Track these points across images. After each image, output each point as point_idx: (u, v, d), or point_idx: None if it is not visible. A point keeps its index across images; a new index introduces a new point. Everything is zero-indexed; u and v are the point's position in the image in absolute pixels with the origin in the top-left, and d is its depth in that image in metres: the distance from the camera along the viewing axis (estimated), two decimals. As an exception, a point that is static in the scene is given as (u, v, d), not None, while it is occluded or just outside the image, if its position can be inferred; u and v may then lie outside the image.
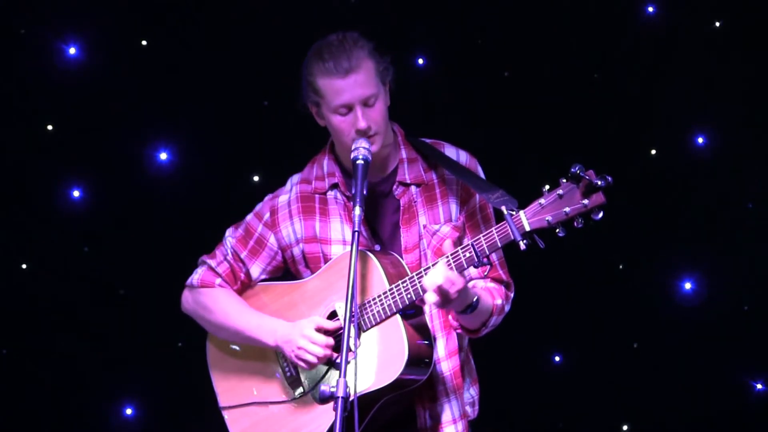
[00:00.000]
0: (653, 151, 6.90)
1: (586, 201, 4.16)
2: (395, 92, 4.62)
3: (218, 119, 6.80)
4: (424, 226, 4.62)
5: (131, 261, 6.81)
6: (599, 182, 4.13)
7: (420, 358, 4.47)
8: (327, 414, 4.50)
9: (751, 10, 6.73)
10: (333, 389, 4.09)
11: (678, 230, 6.85)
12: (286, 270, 4.83)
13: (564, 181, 4.20)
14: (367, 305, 4.50)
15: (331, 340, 4.56)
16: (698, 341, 6.81)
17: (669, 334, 6.84)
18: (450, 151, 4.68)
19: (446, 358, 4.63)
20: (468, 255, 4.35)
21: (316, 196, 4.72)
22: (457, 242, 4.58)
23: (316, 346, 4.54)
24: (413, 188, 4.65)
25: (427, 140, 4.71)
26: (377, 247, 4.63)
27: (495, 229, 4.32)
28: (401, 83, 4.66)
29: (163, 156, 6.84)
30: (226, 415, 4.84)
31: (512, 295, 4.67)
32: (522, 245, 4.23)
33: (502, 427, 6.72)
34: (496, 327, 4.62)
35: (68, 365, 6.80)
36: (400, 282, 4.46)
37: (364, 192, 4.40)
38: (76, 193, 6.85)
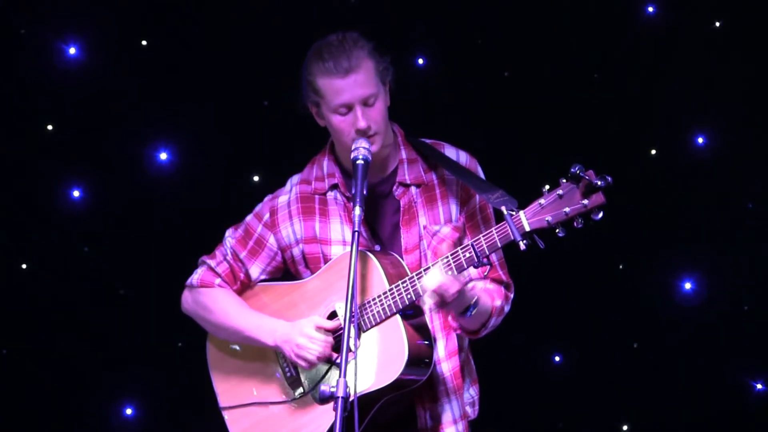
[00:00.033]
0: (653, 151, 6.90)
1: (586, 201, 4.16)
2: (395, 92, 4.62)
3: (218, 119, 6.80)
4: (425, 227, 4.62)
5: (131, 261, 6.81)
6: (599, 182, 4.13)
7: (420, 358, 4.47)
8: (327, 414, 4.50)
9: (751, 10, 6.73)
10: (333, 389, 4.09)
11: (678, 230, 6.85)
12: (285, 270, 4.83)
13: (564, 181, 4.20)
14: (367, 305, 4.50)
15: (330, 339, 4.56)
16: (698, 341, 6.81)
17: (669, 334, 6.84)
18: (450, 152, 4.67)
19: (446, 358, 4.63)
20: (468, 255, 4.35)
21: (316, 196, 4.72)
22: (457, 243, 4.58)
23: (316, 344, 4.54)
24: (413, 189, 4.65)
25: (427, 141, 4.71)
26: (377, 248, 4.63)
27: (495, 229, 4.32)
28: (401, 83, 4.66)
29: (163, 156, 6.84)
30: (226, 415, 4.84)
31: (512, 295, 4.67)
32: (522, 245, 4.23)
33: (502, 427, 6.72)
34: (495, 328, 4.62)
35: (68, 365, 6.80)
36: (400, 282, 4.46)
37: (364, 192, 4.40)
38: (76, 193, 6.85)
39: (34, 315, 6.82)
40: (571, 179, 4.17)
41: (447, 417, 4.64)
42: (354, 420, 4.09)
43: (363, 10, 6.79)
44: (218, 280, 4.79)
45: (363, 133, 4.50)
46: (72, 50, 6.78)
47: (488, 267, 4.40)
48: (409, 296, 4.44)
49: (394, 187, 4.65)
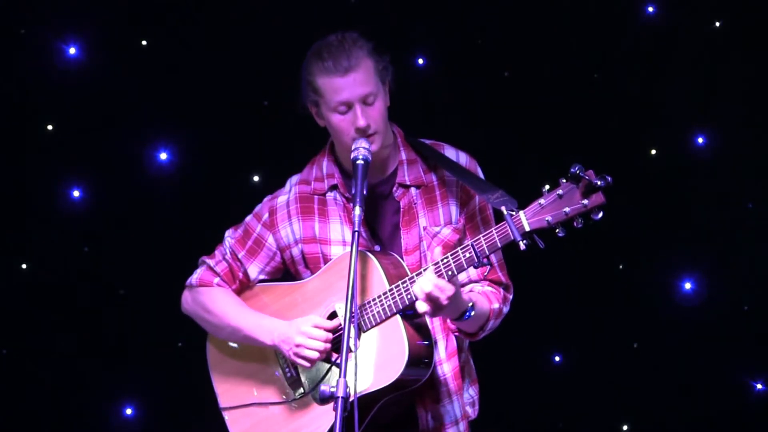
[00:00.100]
0: (653, 151, 6.90)
1: (585, 201, 4.16)
2: (395, 92, 4.62)
3: (218, 119, 6.80)
4: (424, 228, 4.62)
5: (131, 261, 6.81)
6: (599, 182, 4.13)
7: (420, 358, 4.47)
8: (327, 415, 4.50)
9: (751, 10, 6.73)
10: (333, 389, 4.08)
11: (678, 230, 6.84)
12: (285, 271, 4.83)
13: (564, 181, 4.20)
14: (368, 305, 4.50)
15: (329, 336, 4.55)
16: (698, 341, 6.81)
17: (669, 334, 6.84)
18: (450, 152, 4.67)
19: (446, 359, 4.63)
20: (468, 255, 4.35)
21: (315, 197, 4.72)
22: (457, 244, 4.57)
23: (314, 342, 4.53)
24: (413, 190, 4.65)
25: (427, 141, 4.71)
26: (377, 248, 4.63)
27: (495, 229, 4.31)
28: (401, 83, 4.66)
29: (163, 156, 6.84)
30: (227, 415, 4.84)
31: (511, 296, 4.67)
32: (522, 245, 4.23)
33: (502, 427, 6.72)
34: (495, 329, 4.62)
35: (68, 365, 6.80)
36: (400, 282, 4.46)
37: (364, 192, 4.40)
38: (76, 193, 6.85)
39: (34, 315, 6.82)
40: (571, 179, 4.17)
41: (448, 417, 4.64)
42: (354, 420, 4.08)
43: (363, 10, 6.79)
44: (217, 279, 4.79)
45: (362, 132, 4.50)
46: (72, 50, 6.78)
47: (488, 267, 4.40)
48: (409, 296, 4.43)
49: (394, 188, 4.65)
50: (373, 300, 4.49)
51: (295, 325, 4.59)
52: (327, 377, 4.59)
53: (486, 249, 4.32)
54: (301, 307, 4.67)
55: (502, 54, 6.86)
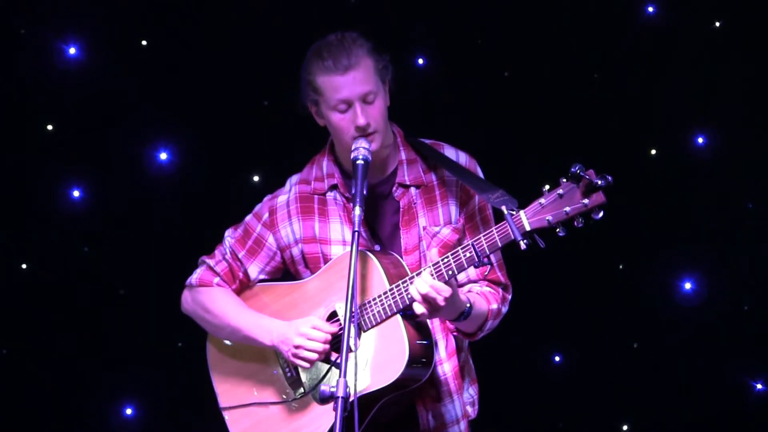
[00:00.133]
0: (653, 151, 6.90)
1: (586, 200, 4.15)
2: (395, 92, 4.62)
3: (218, 119, 6.80)
4: (424, 228, 4.62)
5: (131, 261, 6.81)
6: (599, 182, 4.12)
7: (420, 357, 4.46)
8: (327, 414, 4.50)
9: (751, 10, 6.73)
10: (333, 389, 4.08)
11: (678, 230, 6.84)
12: (285, 271, 4.83)
13: (564, 180, 4.20)
14: (368, 305, 4.50)
15: (329, 337, 4.55)
16: (698, 341, 6.81)
17: (669, 334, 6.84)
18: (449, 152, 4.67)
19: (446, 359, 4.62)
20: (468, 255, 4.34)
21: (315, 196, 4.72)
22: (456, 244, 4.57)
23: (313, 343, 4.53)
24: (413, 190, 4.64)
25: (427, 141, 4.71)
26: (377, 248, 4.63)
27: (495, 228, 4.31)
28: (401, 83, 4.66)
29: (163, 156, 6.84)
30: (227, 415, 4.84)
31: (510, 297, 4.67)
32: (522, 245, 4.23)
33: (502, 427, 6.72)
34: (493, 329, 4.61)
35: (68, 365, 6.79)
36: (400, 282, 4.46)
37: (364, 192, 4.40)
38: (76, 193, 6.85)
39: (34, 315, 6.81)
40: (572, 179, 4.17)
41: (449, 417, 4.64)
42: (354, 420, 4.08)
43: (363, 10, 6.79)
44: (217, 279, 4.79)
45: (362, 131, 4.50)
46: (72, 50, 6.78)
47: (488, 267, 4.40)
48: (409, 296, 4.43)
49: (394, 188, 4.65)
50: (374, 300, 4.49)
51: (294, 326, 4.59)
52: (327, 377, 4.59)
53: (486, 248, 4.31)
54: (301, 307, 4.67)
55: (502, 54, 6.86)
